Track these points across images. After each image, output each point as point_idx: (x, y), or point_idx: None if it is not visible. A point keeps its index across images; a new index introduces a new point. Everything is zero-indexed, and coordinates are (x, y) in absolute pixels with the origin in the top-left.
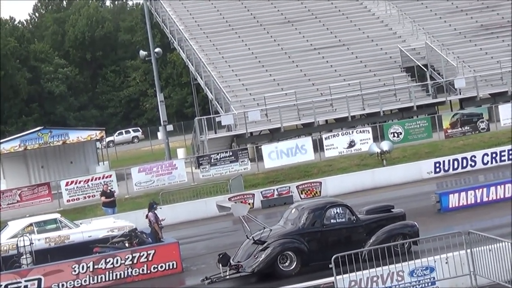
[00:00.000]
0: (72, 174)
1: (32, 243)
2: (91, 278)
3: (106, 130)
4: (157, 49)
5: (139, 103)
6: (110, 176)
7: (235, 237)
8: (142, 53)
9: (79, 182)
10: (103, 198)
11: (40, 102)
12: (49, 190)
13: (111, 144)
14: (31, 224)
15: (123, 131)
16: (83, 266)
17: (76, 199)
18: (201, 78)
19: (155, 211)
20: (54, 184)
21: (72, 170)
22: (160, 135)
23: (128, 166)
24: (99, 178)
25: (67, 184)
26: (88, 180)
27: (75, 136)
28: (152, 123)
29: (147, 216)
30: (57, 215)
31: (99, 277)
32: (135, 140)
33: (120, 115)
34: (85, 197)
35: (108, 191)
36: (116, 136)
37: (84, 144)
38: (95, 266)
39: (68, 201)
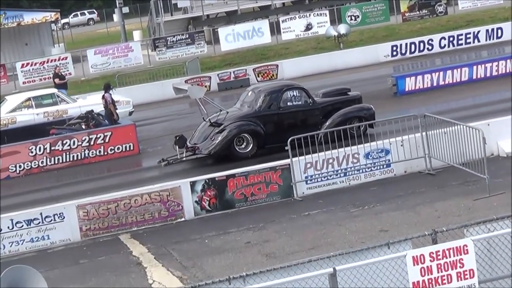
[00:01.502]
0: (27, 56)
1: None
2: (48, 159)
3: (61, 12)
4: None
5: None
6: (66, 58)
7: (192, 120)
8: None
9: (35, 64)
10: (56, 80)
11: None
12: (5, 72)
13: (66, 26)
14: (29, 99)
15: (78, 13)
16: (40, 148)
17: (32, 81)
18: None
19: (110, 93)
20: (10, 66)
21: (27, 52)
22: (116, 17)
23: (84, 48)
24: (55, 60)
25: (22, 66)
26: (44, 62)
27: (30, 17)
28: (108, 5)
29: (103, 97)
30: (54, 90)
31: (56, 158)
32: (91, 22)
33: None
34: (40, 79)
35: (60, 73)
36: (71, 18)
37: (38, 26)
38: (52, 148)
39: (24, 83)
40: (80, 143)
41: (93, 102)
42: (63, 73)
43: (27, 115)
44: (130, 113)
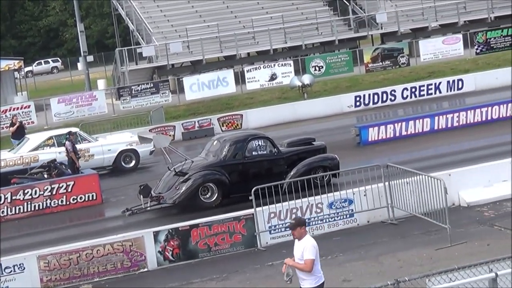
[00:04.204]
0: None
1: None
2: (9, 209)
3: (24, 60)
4: None
5: (58, 33)
6: (29, 106)
7: (156, 169)
8: None
9: None
10: (11, 129)
11: None
12: None
13: (29, 74)
14: (51, 137)
15: (42, 61)
16: (0, 197)
17: None
18: (122, 8)
19: (73, 141)
20: None
21: None
22: (80, 65)
23: (48, 96)
24: (17, 109)
25: None
26: (6, 110)
27: None
28: (72, 53)
29: (64, 145)
30: (76, 129)
31: (17, 208)
32: (55, 71)
33: (39, 45)
34: (2, 128)
35: (18, 123)
36: (35, 66)
37: (1, 74)
38: (13, 197)
39: None
40: (42, 192)
41: (115, 141)
42: (20, 122)
43: (49, 154)
44: (151, 152)
